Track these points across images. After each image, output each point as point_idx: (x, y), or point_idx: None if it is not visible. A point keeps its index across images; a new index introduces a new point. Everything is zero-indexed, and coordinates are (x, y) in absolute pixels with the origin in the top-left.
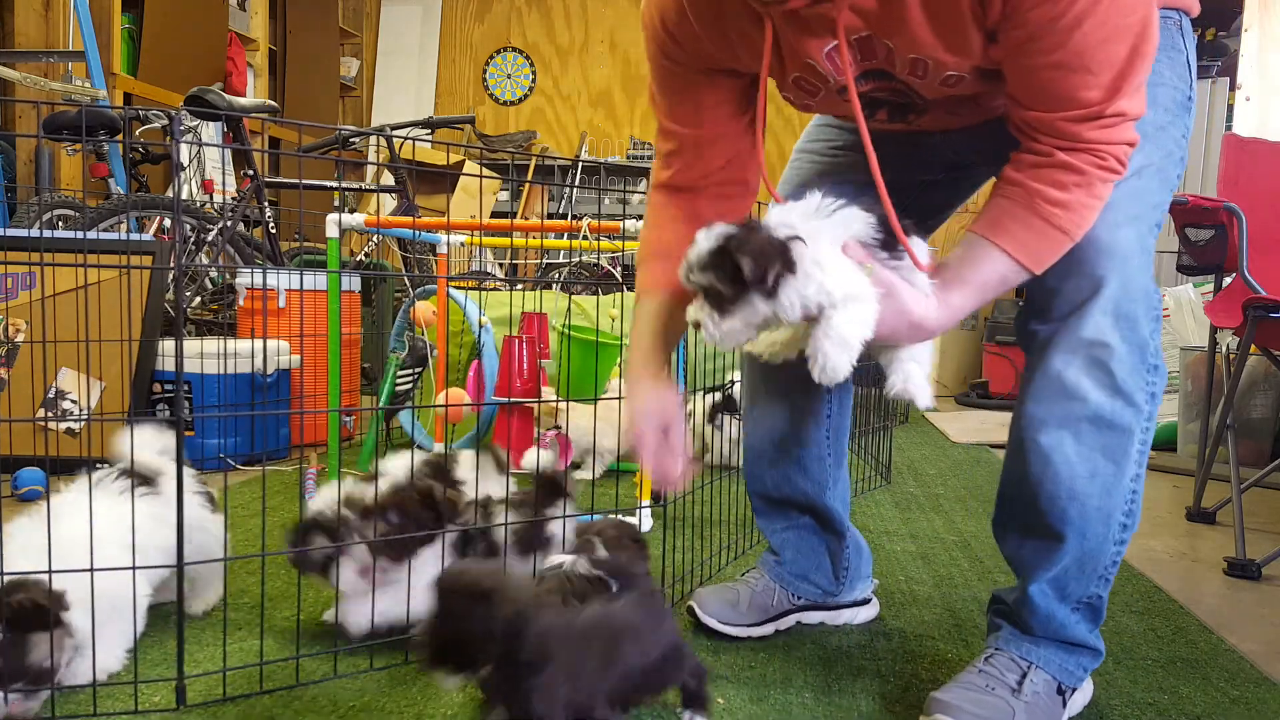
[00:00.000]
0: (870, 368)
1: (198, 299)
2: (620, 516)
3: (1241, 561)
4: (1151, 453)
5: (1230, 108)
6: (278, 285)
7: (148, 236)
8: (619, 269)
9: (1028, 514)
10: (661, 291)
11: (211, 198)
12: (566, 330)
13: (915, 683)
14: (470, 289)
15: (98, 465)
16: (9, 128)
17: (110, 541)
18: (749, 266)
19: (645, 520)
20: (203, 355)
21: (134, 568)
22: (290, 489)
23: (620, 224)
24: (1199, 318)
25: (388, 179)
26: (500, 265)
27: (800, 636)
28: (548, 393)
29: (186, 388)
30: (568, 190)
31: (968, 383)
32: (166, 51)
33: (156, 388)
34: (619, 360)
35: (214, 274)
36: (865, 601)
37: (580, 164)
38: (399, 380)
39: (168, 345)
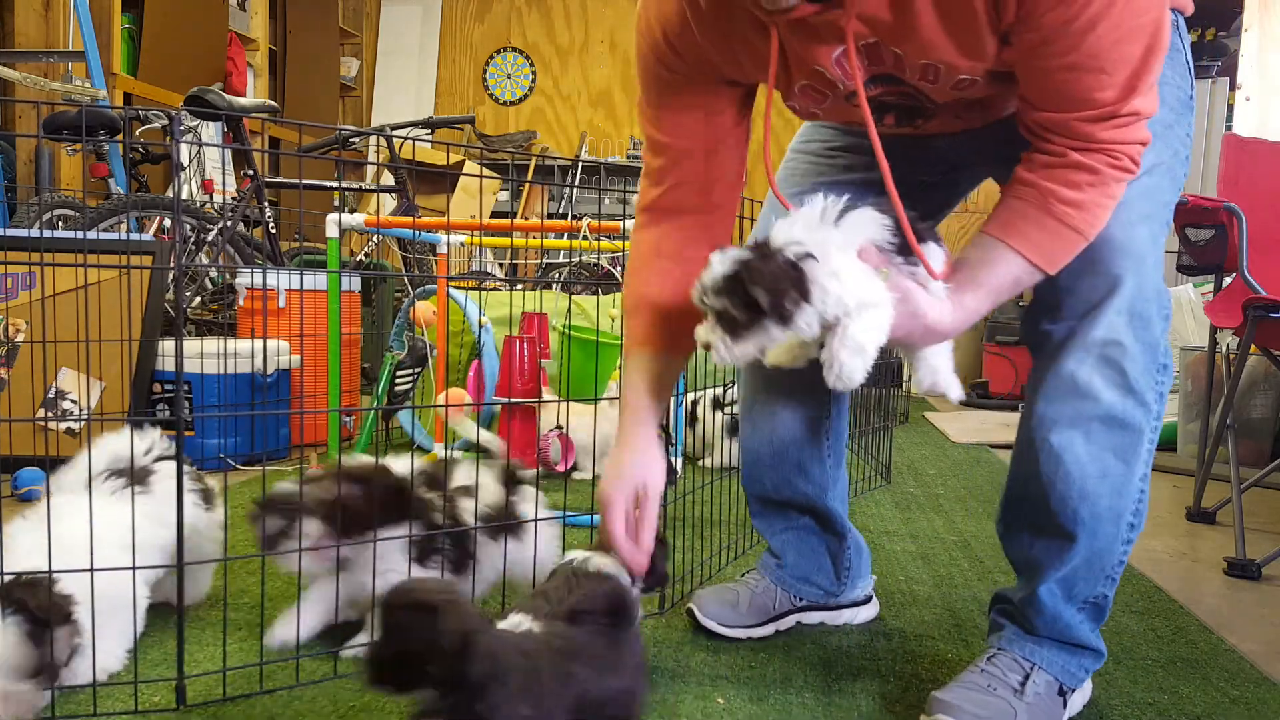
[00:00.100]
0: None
1: (198, 299)
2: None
3: (1241, 561)
4: None
5: (1230, 108)
6: (278, 285)
7: (148, 236)
8: (619, 269)
9: (1037, 514)
10: (652, 346)
11: (211, 198)
12: (567, 330)
13: (915, 683)
14: (470, 289)
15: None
16: (9, 128)
17: (108, 542)
18: (765, 299)
19: None
20: (203, 355)
21: (134, 568)
22: None
23: (620, 224)
24: (1199, 318)
25: (388, 179)
26: (500, 265)
27: (800, 636)
28: (548, 393)
29: (186, 388)
30: (568, 190)
31: (967, 383)
32: (166, 51)
33: (156, 388)
34: (619, 361)
35: (214, 274)
36: (865, 601)
37: (580, 164)
38: (398, 380)
39: (168, 345)
